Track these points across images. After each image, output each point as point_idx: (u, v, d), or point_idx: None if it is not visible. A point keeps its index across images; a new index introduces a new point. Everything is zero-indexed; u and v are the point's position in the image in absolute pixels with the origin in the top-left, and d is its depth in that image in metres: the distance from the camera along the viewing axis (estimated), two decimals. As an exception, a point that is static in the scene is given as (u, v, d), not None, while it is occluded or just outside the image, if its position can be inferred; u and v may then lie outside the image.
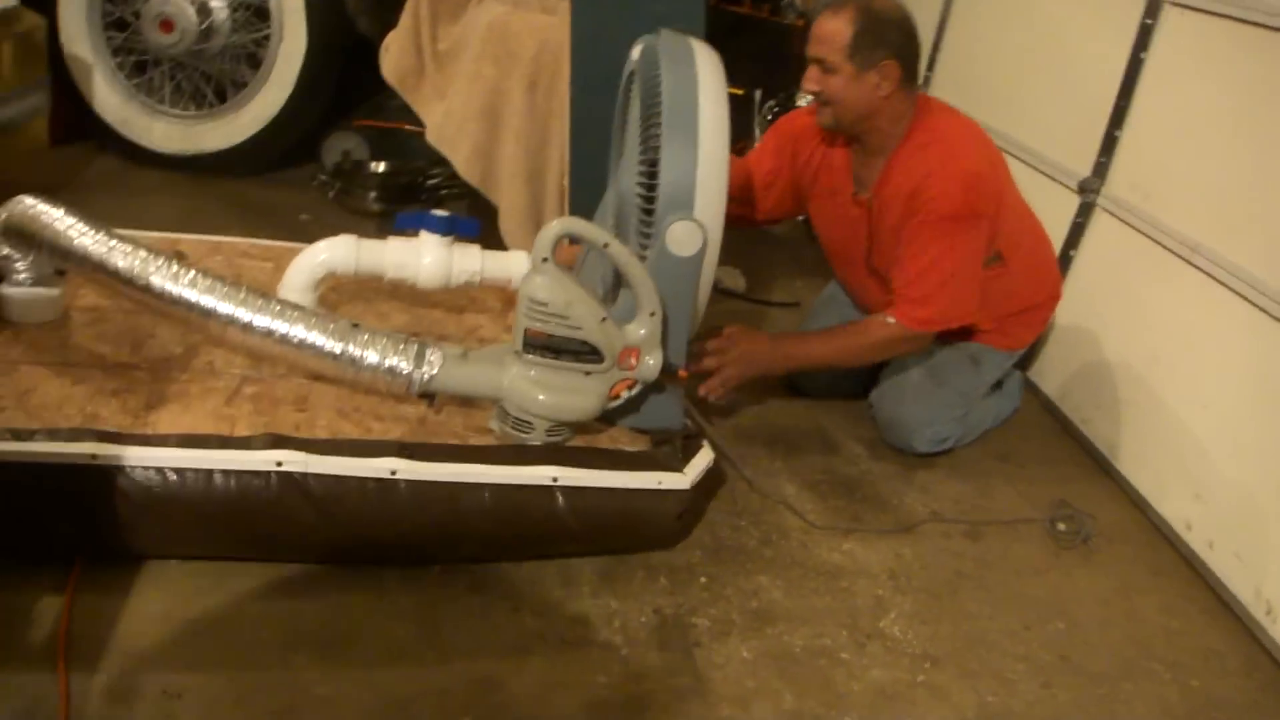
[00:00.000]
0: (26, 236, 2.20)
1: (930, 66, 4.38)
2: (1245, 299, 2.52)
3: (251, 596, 1.97)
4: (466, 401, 2.21)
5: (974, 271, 2.65)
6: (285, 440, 1.95)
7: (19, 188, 2.29)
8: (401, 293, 2.63)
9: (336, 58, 3.97)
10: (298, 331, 2.09)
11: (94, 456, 1.85)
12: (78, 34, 3.83)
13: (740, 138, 4.51)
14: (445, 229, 2.43)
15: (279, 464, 1.91)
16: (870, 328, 2.69)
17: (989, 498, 2.71)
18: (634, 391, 2.15)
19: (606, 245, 2.04)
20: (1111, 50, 3.09)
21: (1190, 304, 2.73)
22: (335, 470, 1.93)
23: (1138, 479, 2.83)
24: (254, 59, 3.90)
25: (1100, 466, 2.94)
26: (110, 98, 3.90)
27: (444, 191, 3.95)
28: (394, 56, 3.52)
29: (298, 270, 2.36)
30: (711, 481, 2.26)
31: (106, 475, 1.86)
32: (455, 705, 1.81)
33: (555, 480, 2.04)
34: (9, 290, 2.28)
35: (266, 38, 3.84)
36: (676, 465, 2.15)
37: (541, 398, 2.09)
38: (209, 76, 3.92)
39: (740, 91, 4.38)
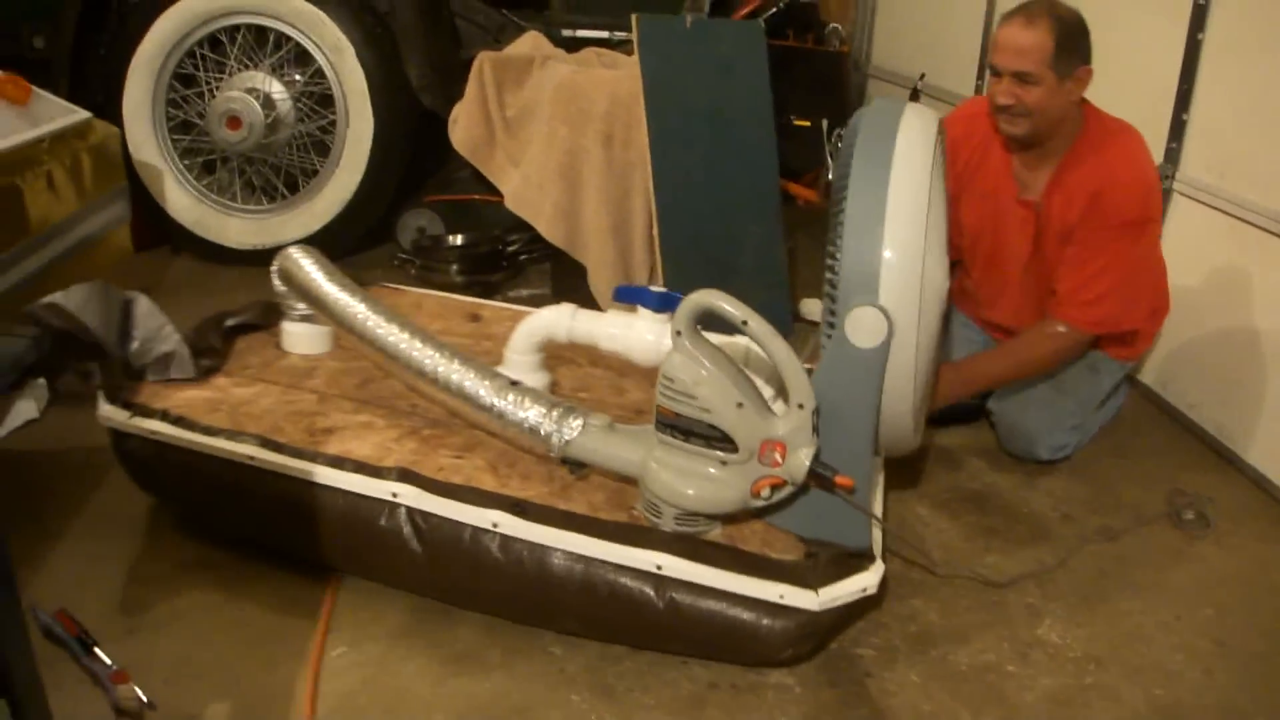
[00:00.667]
0: (293, 281, 2.50)
1: (979, 74, 4.37)
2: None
3: (418, 676, 2.01)
4: (623, 478, 2.14)
5: (1145, 275, 2.73)
6: (410, 476, 2.06)
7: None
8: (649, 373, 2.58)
9: (405, 135, 3.99)
10: (458, 379, 2.17)
11: (251, 458, 2.12)
12: (144, 140, 3.89)
13: (814, 166, 4.60)
14: (659, 305, 2.34)
15: (394, 495, 2.02)
16: (1043, 338, 2.71)
17: (1113, 494, 2.74)
18: (783, 492, 1.94)
19: (746, 322, 1.89)
20: (1168, 35, 3.10)
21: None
22: (443, 511, 2.01)
23: (1254, 457, 2.82)
24: (321, 146, 3.94)
25: (1213, 450, 2.95)
26: (182, 200, 3.97)
27: (524, 256, 3.99)
28: (464, 128, 3.58)
29: (521, 334, 2.43)
30: (859, 606, 2.04)
31: (260, 476, 2.12)
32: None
33: (659, 568, 1.92)
34: (287, 325, 2.62)
35: (333, 123, 3.88)
36: (812, 582, 1.91)
37: (670, 482, 1.98)
38: (278, 169, 3.97)
39: (808, 123, 4.44)
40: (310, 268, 2.45)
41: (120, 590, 2.21)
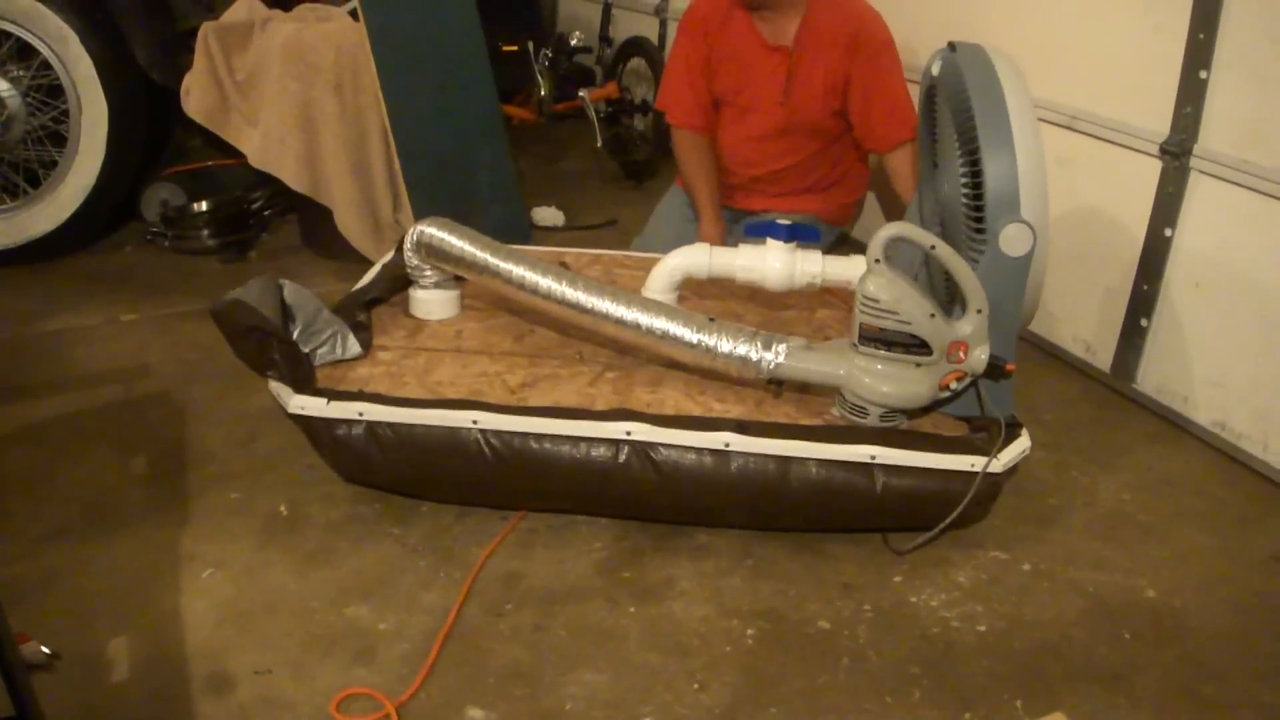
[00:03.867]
0: (437, 253, 2.61)
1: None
2: None
3: (284, 576, 2.30)
4: (802, 389, 2.45)
5: None
6: (636, 414, 2.27)
7: None
8: (758, 296, 2.95)
9: (140, 114, 4.05)
10: (663, 324, 2.36)
11: (475, 422, 2.25)
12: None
13: (526, 84, 4.88)
14: (788, 236, 2.62)
15: (628, 433, 2.23)
16: (911, 158, 3.30)
17: None
18: (965, 383, 2.29)
19: (933, 247, 2.19)
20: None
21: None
22: (677, 441, 2.23)
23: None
24: (57, 136, 3.93)
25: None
26: (-80, 211, 3.86)
27: (268, 211, 4.20)
28: (197, 97, 3.75)
29: (658, 274, 2.71)
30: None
31: (485, 438, 2.26)
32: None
33: (873, 458, 2.22)
34: (418, 292, 2.77)
35: (66, 113, 3.89)
36: (989, 451, 2.24)
37: (875, 385, 2.27)
38: (15, 165, 3.93)
39: (515, 47, 4.72)
40: (458, 242, 2.57)
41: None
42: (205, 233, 4.09)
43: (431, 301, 2.77)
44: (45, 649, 1.99)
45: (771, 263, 2.63)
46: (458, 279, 2.77)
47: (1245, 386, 2.74)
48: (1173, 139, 2.80)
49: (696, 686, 1.98)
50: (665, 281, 2.70)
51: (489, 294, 2.82)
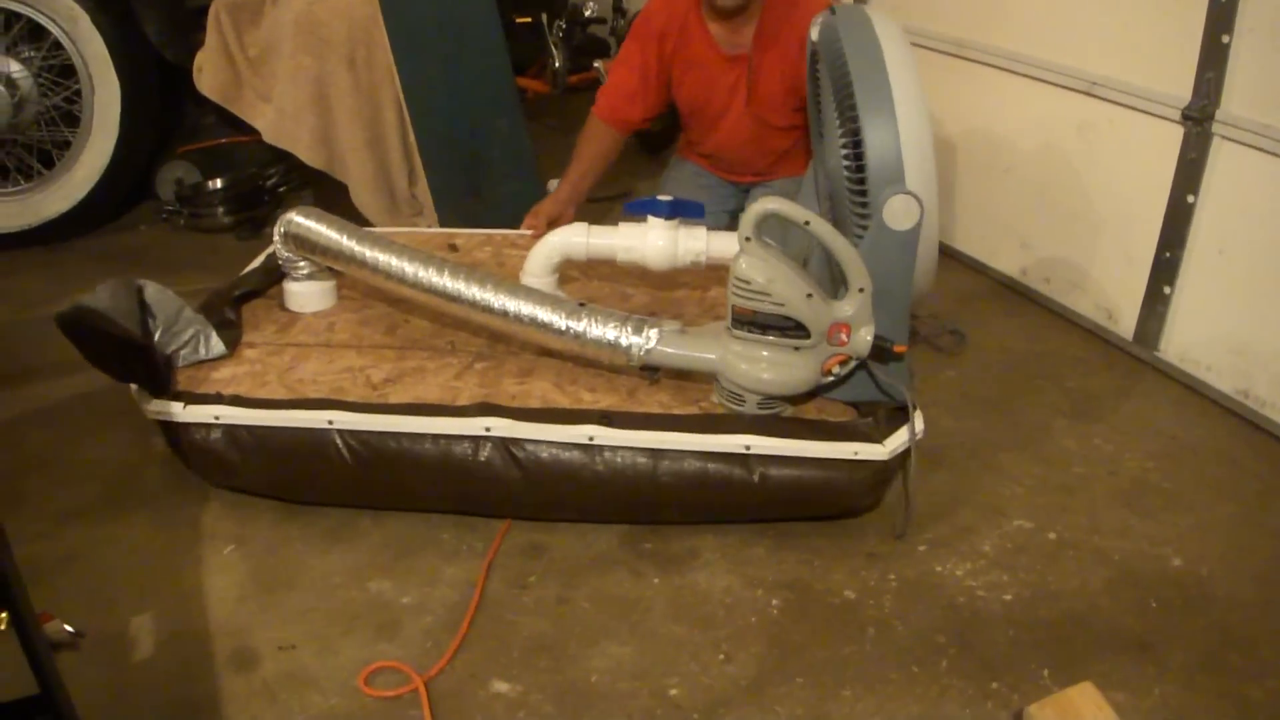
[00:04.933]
0: (305, 243, 2.57)
1: None
2: None
3: (305, 552, 2.30)
4: (682, 376, 2.36)
5: None
6: (497, 409, 2.19)
7: None
8: (648, 276, 2.79)
9: (153, 92, 4.03)
10: (530, 310, 2.30)
11: (331, 422, 2.20)
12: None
13: (539, 56, 4.85)
14: (669, 213, 2.52)
15: (488, 429, 2.16)
16: None
17: None
18: (849, 367, 2.19)
19: (808, 223, 2.07)
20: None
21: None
22: (538, 436, 2.16)
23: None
24: (70, 117, 3.91)
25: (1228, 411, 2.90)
26: (-66, 197, 3.87)
27: (283, 188, 4.18)
28: (210, 74, 3.73)
29: (535, 257, 2.60)
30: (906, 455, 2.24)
31: (343, 438, 2.21)
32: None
33: (748, 448, 2.14)
34: (290, 285, 2.71)
35: (78, 93, 3.88)
36: (876, 436, 2.16)
37: (750, 372, 2.17)
38: (29, 147, 3.92)
39: (529, 19, 4.69)
40: (325, 230, 2.53)
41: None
42: (220, 210, 4.07)
43: (304, 294, 2.71)
44: (68, 627, 1.99)
45: (653, 241, 2.53)
46: (333, 270, 2.69)
47: (1268, 354, 2.71)
48: (1194, 104, 2.76)
49: (722, 657, 1.98)
50: (543, 264, 2.60)
51: (366, 285, 2.71)
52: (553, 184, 4.05)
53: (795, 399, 2.28)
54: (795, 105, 3.25)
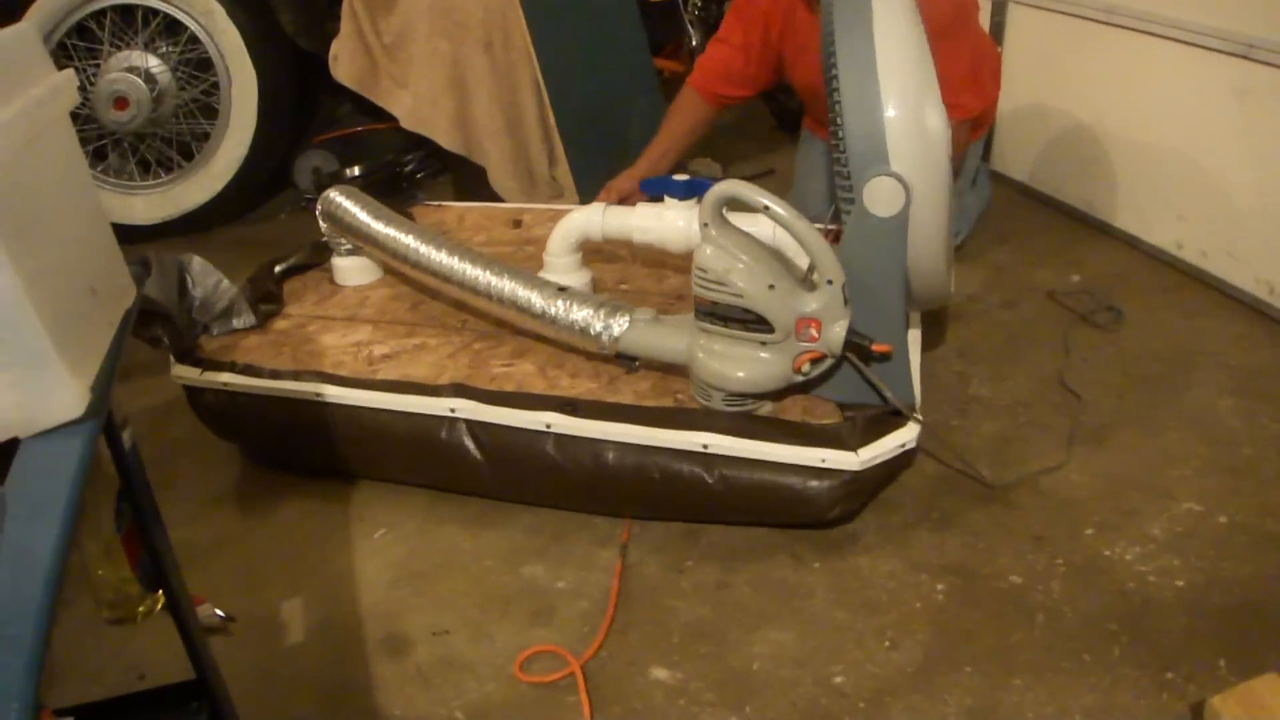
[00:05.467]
0: (337, 221, 2.67)
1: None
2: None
3: (457, 535, 2.29)
4: (668, 368, 2.25)
5: (981, 61, 3.10)
6: (465, 390, 2.20)
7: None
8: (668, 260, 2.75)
9: (289, 82, 4.09)
10: (511, 292, 2.28)
11: (317, 395, 2.27)
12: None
13: (675, 34, 4.80)
14: (685, 192, 2.44)
15: (452, 410, 2.17)
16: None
17: (1008, 274, 3.16)
18: (824, 365, 2.03)
19: (766, 207, 1.91)
20: None
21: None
22: (499, 419, 2.15)
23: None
24: (208, 109, 4.00)
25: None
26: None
27: (420, 174, 4.20)
28: (345, 62, 3.75)
29: (556, 236, 2.56)
30: (900, 462, 2.13)
31: (329, 410, 2.29)
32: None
33: (705, 447, 2.03)
34: (335, 260, 2.80)
35: (215, 85, 3.95)
36: (852, 443, 2.01)
37: (713, 365, 2.06)
38: (169, 140, 4.02)
39: (663, -1, 4.65)
40: (351, 206, 2.61)
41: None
42: (360, 198, 4.10)
43: (345, 268, 2.79)
44: (220, 612, 2.03)
45: (671, 221, 2.43)
46: None
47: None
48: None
49: (887, 644, 1.92)
50: (561, 243, 2.54)
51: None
52: (695, 163, 4.01)
53: (775, 395, 2.14)
54: None
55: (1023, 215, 3.66)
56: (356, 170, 4.14)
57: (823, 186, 3.31)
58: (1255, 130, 2.98)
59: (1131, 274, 3.24)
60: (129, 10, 3.86)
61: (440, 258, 2.39)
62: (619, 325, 2.16)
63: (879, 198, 1.90)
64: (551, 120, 3.61)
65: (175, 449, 2.62)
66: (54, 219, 1.19)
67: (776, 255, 2.04)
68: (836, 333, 1.95)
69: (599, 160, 3.65)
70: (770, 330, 1.98)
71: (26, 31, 1.22)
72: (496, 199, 3.65)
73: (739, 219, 2.09)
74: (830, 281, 1.92)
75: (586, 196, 3.62)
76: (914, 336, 2.34)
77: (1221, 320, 3.01)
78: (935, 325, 2.89)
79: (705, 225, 1.99)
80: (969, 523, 2.23)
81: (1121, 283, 3.19)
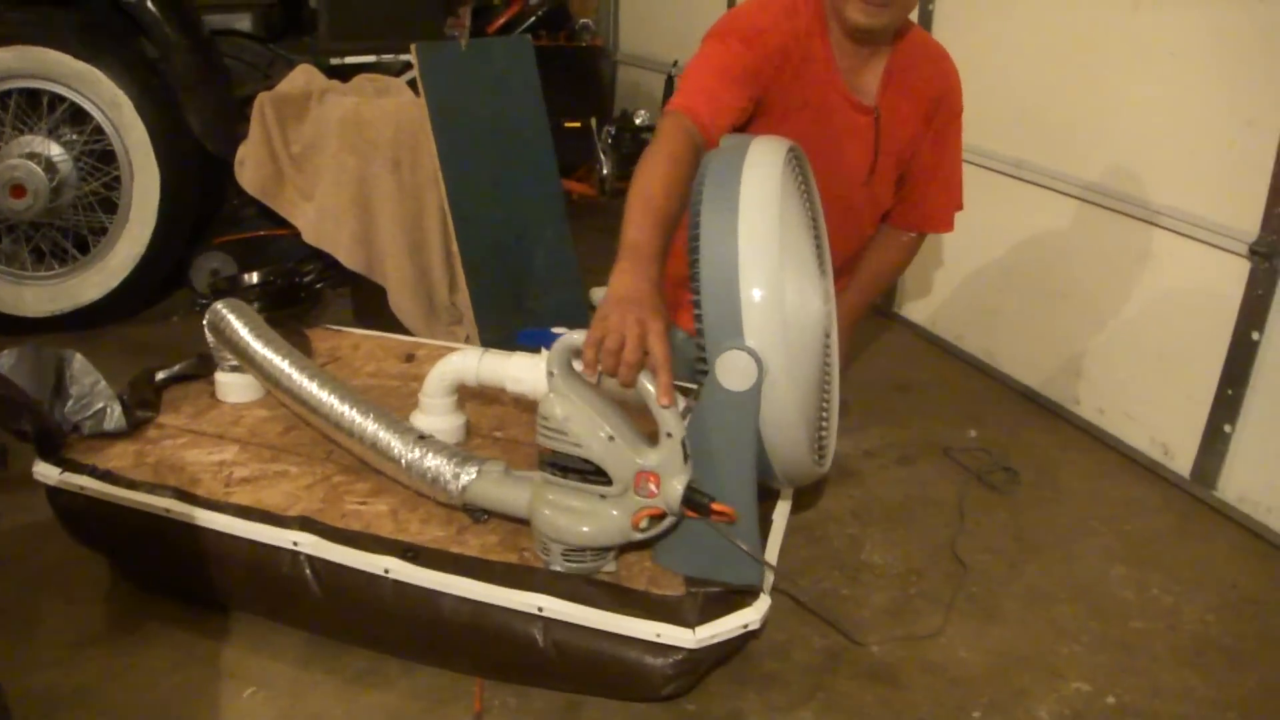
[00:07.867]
0: (220, 335, 2.61)
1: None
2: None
3: (330, 699, 2.14)
4: (520, 521, 2.14)
5: None
6: (310, 524, 2.13)
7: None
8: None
9: (192, 181, 3.98)
10: (373, 433, 2.24)
11: (167, 511, 2.20)
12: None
13: (587, 159, 4.82)
14: None
15: (295, 543, 2.10)
16: (899, 250, 2.89)
17: (906, 429, 3.10)
18: (664, 523, 1.94)
19: None
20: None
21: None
22: (339, 559, 2.07)
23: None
24: (108, 203, 3.86)
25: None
26: (-34, 280, 3.83)
27: (320, 285, 4.10)
28: (251, 169, 3.70)
29: (432, 378, 2.48)
30: (739, 642, 2.01)
31: (177, 527, 2.20)
32: None
33: (540, 610, 1.94)
34: (218, 375, 2.72)
35: (117, 179, 3.83)
36: (690, 620, 1.91)
37: (551, 517, 1.98)
38: (65, 231, 3.87)
39: (578, 124, 4.66)
40: (236, 323, 2.56)
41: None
42: (255, 306, 3.98)
43: (228, 384, 2.71)
44: None
45: (545, 374, 2.33)
46: None
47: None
48: (1263, 240, 2.65)
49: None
50: (437, 386, 2.47)
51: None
52: (595, 292, 3.98)
53: (617, 552, 2.06)
54: (896, 183, 2.76)
55: (922, 363, 3.69)
56: (255, 277, 3.98)
57: None
58: (1155, 293, 3.03)
59: (1029, 430, 3.25)
60: (35, 95, 3.74)
61: (311, 389, 2.35)
62: (466, 476, 2.11)
63: (730, 370, 1.86)
64: (454, 246, 3.55)
65: (47, 575, 2.43)
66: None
67: (621, 411, 1.98)
68: (675, 488, 1.87)
69: (501, 287, 3.60)
70: (608, 482, 1.92)
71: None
72: (394, 318, 3.59)
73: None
74: (669, 435, 1.86)
75: (485, 324, 3.57)
76: (781, 509, 2.29)
77: (1117, 482, 3.02)
78: (831, 484, 2.86)
79: (551, 374, 1.95)
80: (856, 704, 2.10)
81: (1018, 439, 3.19)
